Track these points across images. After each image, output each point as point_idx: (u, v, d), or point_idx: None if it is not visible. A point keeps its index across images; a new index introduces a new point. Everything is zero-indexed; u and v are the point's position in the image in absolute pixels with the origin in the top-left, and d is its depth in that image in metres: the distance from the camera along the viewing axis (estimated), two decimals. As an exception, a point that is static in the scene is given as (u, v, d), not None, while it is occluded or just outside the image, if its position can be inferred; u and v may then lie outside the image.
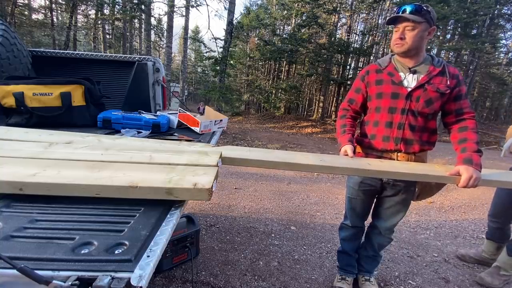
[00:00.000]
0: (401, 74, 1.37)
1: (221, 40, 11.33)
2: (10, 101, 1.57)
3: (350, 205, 1.67)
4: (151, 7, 12.85)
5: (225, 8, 10.52)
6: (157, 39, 19.66)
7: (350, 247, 1.78)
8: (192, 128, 1.82)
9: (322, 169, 1.19)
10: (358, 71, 15.53)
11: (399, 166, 1.26)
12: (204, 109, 2.15)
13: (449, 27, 12.79)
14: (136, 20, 16.25)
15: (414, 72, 1.36)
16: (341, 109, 1.62)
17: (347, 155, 1.35)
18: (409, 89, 1.34)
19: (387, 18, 1.34)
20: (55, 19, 14.07)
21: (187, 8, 12.17)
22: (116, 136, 1.43)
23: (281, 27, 20.25)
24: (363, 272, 1.81)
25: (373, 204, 1.65)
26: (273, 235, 2.46)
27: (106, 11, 13.24)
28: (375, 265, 1.80)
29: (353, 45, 14.39)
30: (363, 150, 1.52)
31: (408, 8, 1.27)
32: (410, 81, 1.35)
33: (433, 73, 1.33)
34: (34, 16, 14.03)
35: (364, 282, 1.79)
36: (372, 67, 1.48)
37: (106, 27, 14.53)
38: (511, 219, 2.03)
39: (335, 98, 15.26)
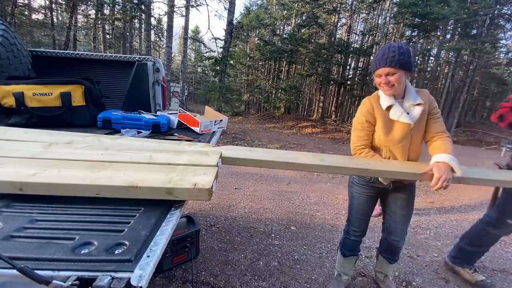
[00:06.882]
0: None
1: (221, 40, 11.32)
2: (10, 101, 1.57)
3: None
4: (151, 7, 12.83)
5: (225, 8, 10.51)
6: (157, 39, 19.64)
7: None
8: (192, 128, 1.82)
9: (322, 168, 1.19)
10: (358, 71, 15.56)
11: (398, 166, 1.26)
12: None
13: (449, 27, 12.79)
14: (136, 20, 16.23)
15: None
16: None
17: None
18: None
19: None
20: (55, 19, 14.06)
21: (187, 8, 12.14)
22: (116, 136, 1.43)
23: (281, 27, 20.24)
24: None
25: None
26: (273, 235, 2.46)
27: (106, 11, 13.23)
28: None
29: (353, 45, 14.38)
30: None
31: None
32: None
33: None
34: (34, 16, 14.04)
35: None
36: None
37: (106, 27, 14.51)
38: None
39: (335, 98, 15.26)
